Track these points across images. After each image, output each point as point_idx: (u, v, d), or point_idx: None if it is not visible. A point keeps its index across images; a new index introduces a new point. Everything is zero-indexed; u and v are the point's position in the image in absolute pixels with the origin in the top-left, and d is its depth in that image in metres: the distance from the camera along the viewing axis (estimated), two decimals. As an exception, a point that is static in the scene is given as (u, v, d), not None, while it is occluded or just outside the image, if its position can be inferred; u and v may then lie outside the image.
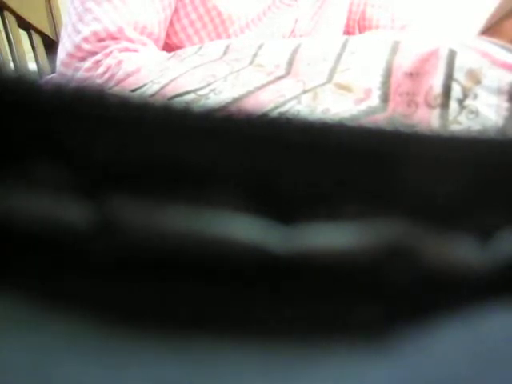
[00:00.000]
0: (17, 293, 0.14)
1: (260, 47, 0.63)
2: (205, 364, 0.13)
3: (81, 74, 0.72)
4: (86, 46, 0.72)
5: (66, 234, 0.14)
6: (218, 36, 0.80)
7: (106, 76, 0.70)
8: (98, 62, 0.71)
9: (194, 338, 0.14)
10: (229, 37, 0.81)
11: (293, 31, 0.87)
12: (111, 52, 0.71)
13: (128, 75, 0.69)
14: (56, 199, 0.14)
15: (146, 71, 0.67)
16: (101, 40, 0.72)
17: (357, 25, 1.02)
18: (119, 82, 0.69)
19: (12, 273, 0.14)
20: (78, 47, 0.72)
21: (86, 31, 0.72)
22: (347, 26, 1.01)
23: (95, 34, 0.72)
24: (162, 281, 0.14)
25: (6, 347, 0.13)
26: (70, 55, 0.73)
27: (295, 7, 0.86)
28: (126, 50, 0.72)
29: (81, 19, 0.73)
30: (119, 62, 0.70)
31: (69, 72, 0.73)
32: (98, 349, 0.13)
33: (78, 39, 0.73)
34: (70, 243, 0.14)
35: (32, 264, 0.14)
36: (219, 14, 0.79)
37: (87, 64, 0.72)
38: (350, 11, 1.00)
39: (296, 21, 0.87)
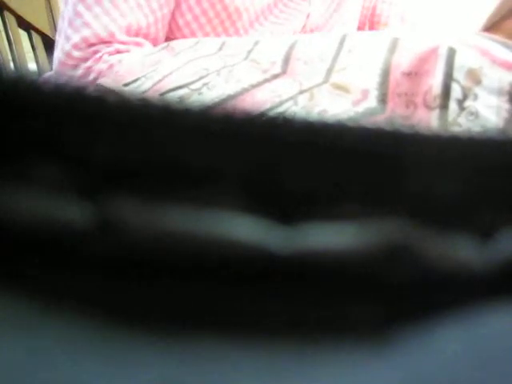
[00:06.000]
0: (17, 293, 0.14)
1: (256, 43, 0.62)
2: (205, 363, 0.13)
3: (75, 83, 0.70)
4: (76, 54, 0.70)
5: (66, 233, 0.14)
6: (225, 30, 0.76)
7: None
8: (89, 69, 0.69)
9: (194, 338, 0.14)
10: (237, 31, 0.76)
11: (304, 26, 0.83)
12: (101, 57, 0.68)
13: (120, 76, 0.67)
14: (56, 199, 0.14)
15: (137, 64, 0.64)
16: (91, 45, 0.69)
17: (367, 21, 1.01)
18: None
19: (12, 273, 0.14)
20: (69, 55, 0.70)
21: (75, 38, 0.70)
22: (358, 22, 0.99)
23: (85, 39, 0.69)
24: (162, 281, 0.14)
25: (6, 347, 0.13)
26: (62, 63, 0.71)
27: (308, 2, 0.82)
28: (117, 52, 0.69)
29: (70, 24, 0.70)
30: (111, 66, 0.68)
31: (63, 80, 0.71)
32: (98, 348, 0.13)
33: (67, 46, 0.70)
34: (69, 243, 0.14)
35: (32, 264, 0.14)
36: (225, 7, 0.75)
37: (80, 72, 0.69)
38: (363, 7, 0.98)
39: (308, 16, 0.83)
